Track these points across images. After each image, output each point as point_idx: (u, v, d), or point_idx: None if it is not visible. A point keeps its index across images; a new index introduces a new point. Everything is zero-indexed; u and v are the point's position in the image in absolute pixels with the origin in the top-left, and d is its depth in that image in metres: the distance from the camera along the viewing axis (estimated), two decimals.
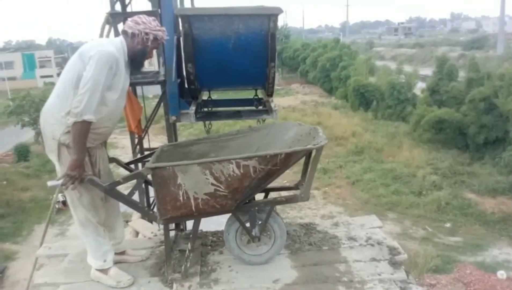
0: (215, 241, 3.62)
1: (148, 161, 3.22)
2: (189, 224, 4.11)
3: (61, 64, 57.75)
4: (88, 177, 2.75)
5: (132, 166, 3.88)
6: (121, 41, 2.83)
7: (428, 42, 68.66)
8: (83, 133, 2.63)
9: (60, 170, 2.82)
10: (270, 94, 3.86)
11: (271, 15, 3.34)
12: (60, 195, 14.71)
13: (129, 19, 2.88)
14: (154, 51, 3.14)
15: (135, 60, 2.89)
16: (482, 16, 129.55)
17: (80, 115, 2.58)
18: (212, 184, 2.75)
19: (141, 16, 2.87)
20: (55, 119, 2.73)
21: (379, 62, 44.13)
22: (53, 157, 2.85)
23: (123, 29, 2.87)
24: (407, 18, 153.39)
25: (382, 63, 44.02)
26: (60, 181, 2.71)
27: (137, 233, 5.62)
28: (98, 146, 2.97)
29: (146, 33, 2.79)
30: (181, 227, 4.97)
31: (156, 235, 4.35)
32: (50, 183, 2.82)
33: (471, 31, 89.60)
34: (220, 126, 18.44)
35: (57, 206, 16.66)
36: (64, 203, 18.78)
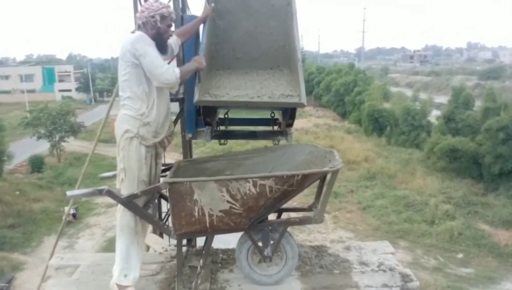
0: (226, 259, 3.61)
1: (164, 176, 3.25)
2: (199, 241, 4.11)
3: (79, 79, 58.99)
4: (106, 189, 2.80)
5: None
6: (141, 34, 2.98)
7: (444, 71, 68.58)
8: (186, 74, 3.03)
9: (122, 163, 2.95)
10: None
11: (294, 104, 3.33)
12: (72, 207, 14.78)
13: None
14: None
15: (157, 44, 3.00)
16: (499, 46, 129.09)
17: (177, 78, 2.88)
18: (228, 201, 2.77)
19: (144, 4, 3.06)
20: (132, 115, 2.93)
21: (393, 89, 44.20)
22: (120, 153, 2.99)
23: (137, 24, 3.04)
24: (423, 46, 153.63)
25: (396, 89, 44.09)
26: (112, 173, 3.04)
27: (148, 248, 5.62)
28: (158, 147, 3.10)
29: (152, 16, 2.95)
30: (192, 243, 4.96)
31: (166, 250, 4.36)
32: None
33: (488, 61, 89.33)
34: (232, 144, 18.52)
35: (68, 218, 16.77)
36: (74, 215, 18.93)
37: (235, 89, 3.20)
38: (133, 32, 3.05)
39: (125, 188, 2.95)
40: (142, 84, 2.91)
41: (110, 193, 2.83)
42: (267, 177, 2.76)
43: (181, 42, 3.44)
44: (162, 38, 3.01)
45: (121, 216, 2.98)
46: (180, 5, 4.92)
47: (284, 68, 3.55)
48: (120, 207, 2.99)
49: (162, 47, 3.03)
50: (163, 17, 2.97)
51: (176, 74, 2.88)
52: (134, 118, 2.94)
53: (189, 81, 3.89)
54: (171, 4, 5.12)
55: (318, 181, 3.13)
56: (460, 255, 15.24)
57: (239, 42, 3.56)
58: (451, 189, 20.07)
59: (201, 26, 3.51)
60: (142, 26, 2.99)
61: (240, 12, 3.53)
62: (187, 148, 5.56)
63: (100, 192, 2.84)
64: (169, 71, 2.85)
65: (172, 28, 3.23)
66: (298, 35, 3.35)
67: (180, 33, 3.42)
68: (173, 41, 3.29)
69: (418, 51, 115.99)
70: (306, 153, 3.35)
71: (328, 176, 2.96)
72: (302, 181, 2.82)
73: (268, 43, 3.56)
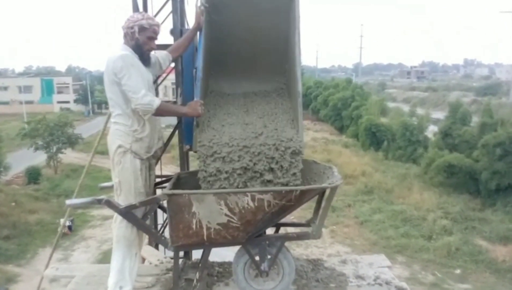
0: (222, 272, 3.60)
1: (164, 187, 3.26)
2: (195, 253, 4.10)
3: (78, 91, 59.10)
4: (105, 199, 2.81)
5: None
6: (122, 46, 2.99)
7: (440, 87, 68.99)
8: (167, 110, 3.03)
9: (117, 177, 2.96)
10: None
11: None
12: (68, 219, 14.67)
13: None
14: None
15: (138, 56, 2.98)
16: (496, 63, 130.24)
17: (152, 108, 2.84)
18: (226, 214, 2.77)
19: (130, 14, 3.01)
20: (124, 131, 2.94)
21: (391, 104, 44.48)
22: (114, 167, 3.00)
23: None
24: (420, 62, 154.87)
25: (394, 105, 44.37)
26: (112, 183, 3.03)
27: (143, 260, 5.59)
28: (151, 159, 3.12)
29: (131, 27, 2.94)
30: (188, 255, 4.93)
31: (162, 263, 4.33)
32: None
33: (484, 78, 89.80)
34: None
35: (63, 230, 16.63)
36: (70, 228, 18.80)
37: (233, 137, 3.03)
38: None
39: (122, 201, 2.95)
40: (129, 102, 2.90)
41: (108, 203, 2.84)
42: (266, 192, 2.76)
43: (174, 57, 3.40)
44: (141, 49, 2.98)
45: (118, 227, 2.99)
46: (179, 19, 4.97)
47: (285, 97, 3.49)
48: (116, 218, 2.99)
49: (143, 59, 3.01)
50: (142, 29, 2.94)
51: (152, 105, 2.83)
52: (126, 133, 2.94)
53: (187, 92, 3.91)
54: (166, 18, 5.18)
55: (316, 197, 3.14)
56: (458, 271, 15.16)
57: (237, 38, 3.41)
58: (448, 204, 20.04)
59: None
60: (124, 37, 3.00)
61: (238, 6, 3.31)
62: (184, 160, 5.56)
63: (99, 202, 2.86)
64: (144, 99, 2.82)
65: (173, 41, 3.23)
66: (299, 34, 3.12)
67: (173, 49, 3.39)
68: (162, 56, 3.27)
69: (415, 67, 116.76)
70: (305, 168, 3.35)
71: (327, 192, 2.96)
72: (301, 197, 2.83)
73: (268, 39, 3.42)
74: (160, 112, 2.92)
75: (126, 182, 2.94)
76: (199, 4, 3.09)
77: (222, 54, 3.47)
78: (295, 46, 3.13)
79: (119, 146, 2.93)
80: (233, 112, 3.32)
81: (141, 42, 2.97)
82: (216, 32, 3.32)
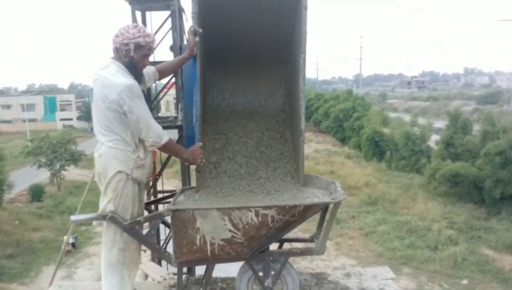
0: (225, 287, 3.58)
1: (167, 202, 3.26)
2: (198, 269, 4.08)
3: (81, 108, 59.39)
4: (110, 215, 2.80)
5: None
6: (115, 64, 2.78)
7: (441, 96, 69.10)
8: (171, 148, 3.01)
9: (112, 203, 2.82)
10: None
11: None
12: (71, 236, 14.63)
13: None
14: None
15: (132, 74, 2.80)
16: (496, 71, 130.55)
17: (159, 143, 2.84)
18: (230, 230, 2.77)
19: (122, 27, 2.77)
20: (125, 156, 2.80)
21: (392, 114, 44.55)
22: (108, 192, 2.84)
23: (112, 48, 2.81)
24: (420, 72, 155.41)
25: (395, 115, 44.42)
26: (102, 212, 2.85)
27: (146, 276, 5.57)
28: (145, 185, 3.09)
29: (126, 44, 2.72)
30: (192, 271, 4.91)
31: (165, 279, 4.31)
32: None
33: (485, 86, 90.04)
34: None
35: (66, 248, 16.57)
36: (74, 245, 18.74)
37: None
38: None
39: (114, 227, 2.85)
40: (129, 128, 2.78)
41: (113, 219, 2.81)
42: (269, 207, 2.77)
43: (160, 78, 3.24)
44: (135, 68, 2.80)
45: (107, 254, 2.88)
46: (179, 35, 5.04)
47: (287, 138, 3.49)
48: (104, 246, 2.91)
49: (136, 77, 2.82)
50: (138, 46, 2.74)
51: (161, 139, 2.81)
52: (127, 159, 2.81)
53: (187, 106, 3.92)
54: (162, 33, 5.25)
55: (320, 211, 3.13)
56: (465, 281, 15.00)
57: (231, 38, 3.23)
58: (453, 214, 19.93)
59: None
60: (115, 51, 2.78)
61: (233, 4, 3.09)
62: (185, 174, 5.61)
63: (103, 218, 2.83)
64: (157, 132, 2.78)
65: (173, 57, 3.19)
66: (305, 60, 2.95)
67: (161, 70, 3.16)
68: (149, 73, 3.05)
69: (415, 77, 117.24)
70: (308, 183, 3.35)
71: (330, 207, 2.96)
72: (304, 212, 2.82)
73: (267, 36, 3.24)
74: (164, 148, 2.92)
75: (123, 209, 2.84)
76: (192, 29, 2.88)
77: (220, 52, 3.36)
78: (299, 74, 3.02)
79: (119, 172, 2.79)
80: (232, 156, 3.38)
81: (136, 60, 2.78)
82: (211, 32, 3.16)
